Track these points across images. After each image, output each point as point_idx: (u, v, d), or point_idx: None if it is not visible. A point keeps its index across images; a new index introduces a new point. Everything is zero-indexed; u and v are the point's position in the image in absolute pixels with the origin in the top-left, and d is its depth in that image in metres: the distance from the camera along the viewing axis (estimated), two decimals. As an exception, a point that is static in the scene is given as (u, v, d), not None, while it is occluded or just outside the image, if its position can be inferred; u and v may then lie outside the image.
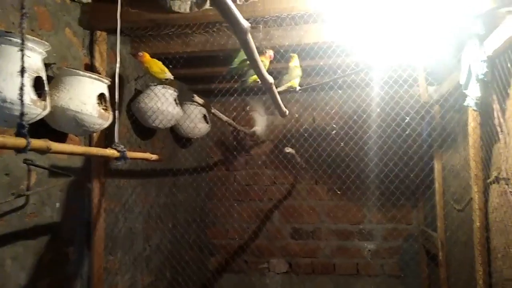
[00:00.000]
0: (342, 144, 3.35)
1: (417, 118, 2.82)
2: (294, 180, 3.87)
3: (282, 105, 2.21)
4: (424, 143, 3.01)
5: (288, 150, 2.81)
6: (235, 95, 3.10)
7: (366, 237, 3.92)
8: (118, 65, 1.80)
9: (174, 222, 3.41)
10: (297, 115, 3.36)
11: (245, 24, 1.07)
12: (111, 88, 2.00)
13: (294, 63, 2.33)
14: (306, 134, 4.05)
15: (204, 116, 3.36)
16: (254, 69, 1.48)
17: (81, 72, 1.85)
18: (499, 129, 1.76)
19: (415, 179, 3.11)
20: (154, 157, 1.87)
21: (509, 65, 1.67)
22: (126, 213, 2.66)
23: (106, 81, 1.96)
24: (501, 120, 1.74)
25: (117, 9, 2.10)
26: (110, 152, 1.58)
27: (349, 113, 3.62)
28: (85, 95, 1.82)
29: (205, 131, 3.41)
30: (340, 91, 2.84)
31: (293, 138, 4.07)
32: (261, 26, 2.39)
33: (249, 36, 1.16)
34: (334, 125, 2.80)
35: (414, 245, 3.76)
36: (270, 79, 1.68)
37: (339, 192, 3.56)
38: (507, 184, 1.66)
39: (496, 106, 1.78)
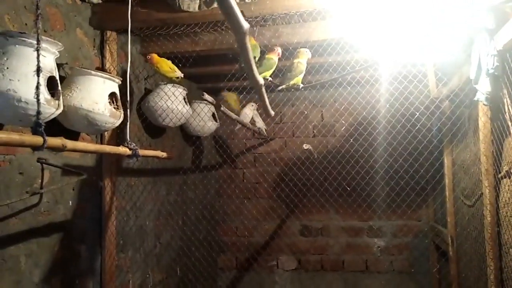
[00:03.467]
0: (351, 140, 3.34)
1: (427, 114, 2.81)
2: (301, 177, 3.87)
3: (269, 107, 2.22)
4: (434, 139, 2.99)
5: (306, 146, 2.83)
6: (244, 93, 3.12)
7: (375, 234, 3.92)
8: (129, 64, 1.82)
9: (184, 220, 3.44)
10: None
11: (245, 25, 1.08)
12: (122, 87, 2.03)
13: (299, 59, 2.33)
14: (315, 131, 4.06)
15: (213, 115, 3.38)
16: (247, 70, 1.49)
17: (93, 72, 1.88)
18: (510, 124, 1.75)
19: (425, 175, 3.10)
20: (164, 154, 1.89)
21: (519, 59, 1.66)
22: (137, 211, 2.69)
23: (117, 81, 1.98)
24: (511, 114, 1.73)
25: (127, 9, 2.13)
26: (122, 150, 1.60)
27: (358, 109, 3.62)
28: (97, 94, 1.85)
29: (214, 129, 3.43)
30: (349, 88, 2.84)
31: (302, 134, 4.08)
32: (268, 24, 2.40)
33: (247, 37, 1.17)
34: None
35: (424, 241, 3.75)
36: (261, 80, 1.70)
37: (348, 189, 3.56)
38: (518, 179, 1.66)
39: (507, 100, 1.77)
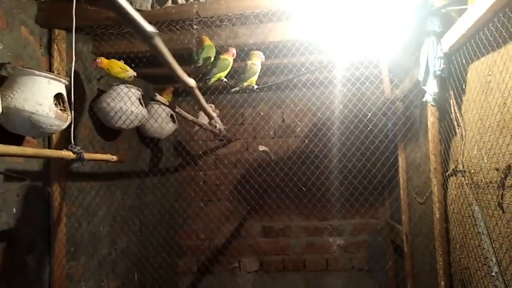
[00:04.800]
0: (309, 141, 3.38)
1: (379, 115, 2.89)
2: (262, 179, 3.87)
3: (208, 108, 2.20)
4: (387, 139, 3.08)
5: (262, 148, 2.82)
6: (202, 93, 3.07)
7: (335, 233, 3.99)
8: (73, 64, 1.74)
9: (141, 225, 3.34)
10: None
11: (150, 29, 1.05)
12: (70, 88, 1.94)
13: (253, 61, 2.33)
14: (275, 132, 4.07)
15: (171, 116, 3.31)
16: (172, 72, 1.47)
17: (37, 72, 1.78)
18: (456, 124, 1.82)
19: (380, 174, 3.18)
20: (114, 158, 1.81)
21: (464, 61, 1.73)
22: (90, 217, 2.58)
23: (64, 81, 1.89)
24: (458, 114, 1.80)
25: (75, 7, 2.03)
26: (65, 153, 1.52)
27: (316, 110, 3.67)
28: (41, 96, 1.75)
29: (172, 130, 3.35)
30: (304, 89, 2.86)
31: (263, 136, 4.08)
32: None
33: (157, 41, 1.14)
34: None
35: (381, 238, 3.86)
36: (192, 82, 1.67)
37: (304, 189, 3.59)
38: (463, 177, 1.72)
39: (453, 101, 1.84)
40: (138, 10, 2.15)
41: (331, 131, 3.51)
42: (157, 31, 1.10)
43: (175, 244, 4.06)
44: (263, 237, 4.08)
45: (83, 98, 2.56)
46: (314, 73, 2.53)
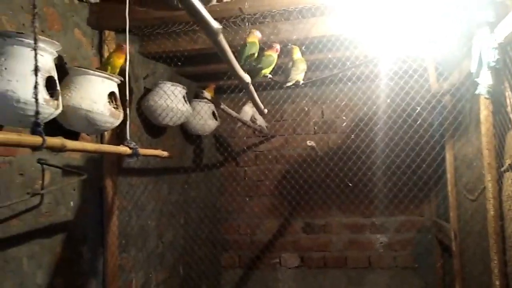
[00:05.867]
0: (352, 136, 3.33)
1: (428, 108, 2.79)
2: (303, 175, 3.86)
3: (260, 105, 2.20)
4: (435, 133, 2.98)
5: (310, 143, 2.83)
6: (244, 91, 3.10)
7: (378, 230, 3.91)
8: (127, 63, 1.81)
9: (186, 219, 3.43)
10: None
11: (216, 25, 1.08)
12: (121, 86, 2.02)
13: (297, 55, 2.32)
14: (316, 128, 4.05)
15: (213, 113, 3.37)
16: (230, 69, 1.49)
17: (91, 71, 1.87)
18: (511, 117, 1.74)
19: (427, 170, 3.08)
20: (165, 153, 1.88)
21: (520, 51, 1.65)
22: (139, 211, 2.69)
23: (116, 80, 1.97)
24: (514, 107, 1.72)
25: (124, 8, 2.11)
26: (122, 149, 1.59)
27: (359, 105, 3.61)
28: (96, 94, 1.84)
29: (215, 127, 3.42)
30: (349, 83, 2.82)
31: (303, 131, 4.07)
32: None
33: (221, 37, 1.17)
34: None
35: (427, 236, 3.74)
36: (247, 78, 1.69)
37: (350, 185, 3.54)
38: (521, 172, 1.65)
39: (508, 93, 1.76)
40: (183, 10, 2.23)
41: (377, 126, 3.44)
42: (221, 28, 1.13)
43: (218, 238, 4.15)
44: (304, 233, 4.07)
45: (131, 96, 2.66)
46: (359, 68, 2.48)
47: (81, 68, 1.89)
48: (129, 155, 1.58)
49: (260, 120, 3.56)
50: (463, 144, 2.60)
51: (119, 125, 2.01)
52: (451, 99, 2.75)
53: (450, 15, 1.95)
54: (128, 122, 1.82)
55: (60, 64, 1.94)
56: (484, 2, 1.70)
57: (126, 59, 1.91)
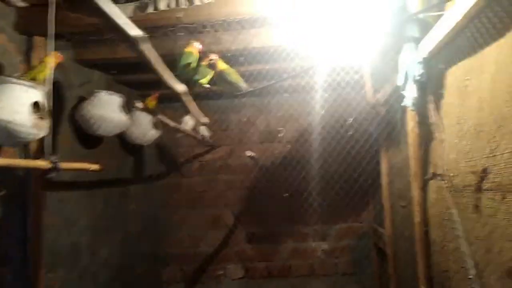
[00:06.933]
0: (296, 146, 3.39)
1: (362, 119, 2.92)
2: (247, 185, 3.87)
3: (198, 114, 2.17)
4: (370, 143, 3.11)
5: (249, 153, 2.82)
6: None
7: (320, 237, 3.99)
8: (52, 71, 1.70)
9: (124, 234, 3.29)
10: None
11: (133, 33, 1.04)
12: (48, 95, 1.90)
13: (223, 65, 2.33)
14: (261, 137, 4.08)
15: (154, 123, 3.28)
16: (161, 79, 1.45)
17: (13, 79, 1.74)
18: (435, 128, 1.85)
19: (362, 178, 3.21)
20: (93, 167, 1.78)
21: (441, 66, 1.76)
22: (69, 227, 2.53)
23: (42, 88, 1.85)
24: (436, 119, 1.83)
25: (55, 14, 2.00)
26: (41, 163, 1.48)
27: (297, 115, 3.69)
28: (18, 104, 1.71)
29: (156, 137, 3.32)
30: (287, 95, 2.88)
31: (249, 141, 4.08)
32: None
33: (144, 47, 1.12)
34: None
35: (365, 242, 3.88)
36: (180, 88, 1.66)
37: (288, 194, 3.60)
38: (442, 180, 1.75)
39: (431, 105, 1.87)
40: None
41: (315, 136, 3.53)
42: (143, 35, 1.09)
43: (159, 252, 4.01)
44: (248, 244, 4.06)
45: (63, 105, 2.52)
46: (296, 79, 2.54)
47: (2, 76, 1.75)
48: (49, 170, 1.48)
49: (203, 130, 3.51)
50: (395, 153, 2.74)
51: (46, 136, 1.89)
52: (384, 110, 2.89)
53: (379, 28, 2.05)
54: (50, 134, 1.70)
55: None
56: (409, 18, 1.80)
57: (51, 67, 1.80)
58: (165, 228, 4.07)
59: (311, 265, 3.99)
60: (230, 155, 4.11)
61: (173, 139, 4.03)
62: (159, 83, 3.23)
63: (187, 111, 3.27)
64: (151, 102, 3.16)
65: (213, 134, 3.90)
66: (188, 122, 3.18)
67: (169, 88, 1.64)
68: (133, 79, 3.19)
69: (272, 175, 3.47)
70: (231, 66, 2.39)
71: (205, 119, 2.31)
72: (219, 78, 2.29)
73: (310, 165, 3.55)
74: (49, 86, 1.76)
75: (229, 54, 2.42)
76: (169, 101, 3.12)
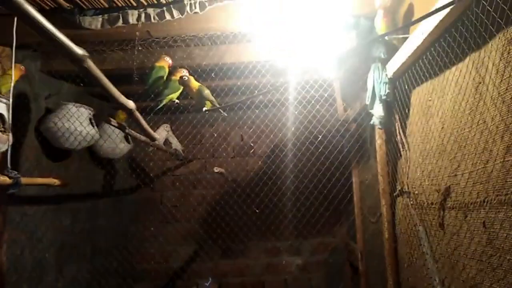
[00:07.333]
0: (268, 161, 3.39)
1: (333, 135, 2.95)
2: (221, 199, 3.83)
3: (149, 130, 2.15)
4: (343, 159, 3.14)
5: (217, 169, 2.81)
6: (160, 114, 3.02)
7: (294, 253, 3.98)
8: (12, 83, 1.66)
9: (93, 250, 3.19)
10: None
11: (80, 52, 1.03)
12: (19, 107, 1.84)
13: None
14: (235, 152, 4.06)
15: (126, 136, 3.22)
16: (109, 96, 1.43)
17: (-27, 91, 1.69)
18: (401, 146, 1.88)
19: (337, 194, 3.23)
20: (57, 182, 1.72)
21: (407, 86, 1.80)
22: (34, 243, 2.43)
23: (4, 101, 1.79)
24: (402, 137, 1.86)
25: (20, 23, 1.95)
26: (1, 178, 1.43)
27: (271, 130, 3.70)
28: (-23, 116, 1.65)
29: (127, 151, 3.26)
30: (260, 110, 2.89)
31: (221, 155, 4.06)
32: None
33: (89, 64, 1.11)
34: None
35: (339, 257, 3.88)
36: (130, 104, 1.64)
37: (261, 209, 3.58)
38: (408, 198, 1.78)
39: (398, 124, 1.91)
40: (87, 29, 2.12)
41: (288, 151, 3.54)
42: (87, 54, 1.07)
43: (130, 268, 3.90)
44: (221, 259, 4.00)
45: (29, 118, 2.44)
46: (267, 95, 2.56)
47: (-40, 87, 1.69)
48: (10, 185, 1.42)
49: (175, 144, 3.48)
50: (365, 168, 2.77)
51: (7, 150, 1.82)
52: (355, 125, 2.94)
53: (346, 47, 2.09)
54: (9, 148, 1.65)
55: None
56: (375, 39, 1.85)
57: (14, 79, 1.75)
58: (136, 243, 3.97)
59: (285, 281, 3.96)
60: (203, 169, 4.07)
61: (145, 153, 3.97)
62: (130, 96, 3.22)
63: (160, 124, 3.26)
64: (122, 114, 3.11)
65: (186, 148, 3.86)
66: (161, 134, 3.14)
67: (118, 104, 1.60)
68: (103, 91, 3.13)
69: (244, 190, 3.45)
70: (203, 81, 2.38)
71: (157, 135, 2.27)
72: (196, 93, 2.28)
73: (282, 180, 3.55)
74: (10, 99, 1.71)
75: (199, 70, 2.41)
76: (142, 114, 3.07)
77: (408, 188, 1.79)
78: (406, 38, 1.69)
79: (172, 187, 4.07)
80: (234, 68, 2.41)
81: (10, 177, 1.42)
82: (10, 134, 1.68)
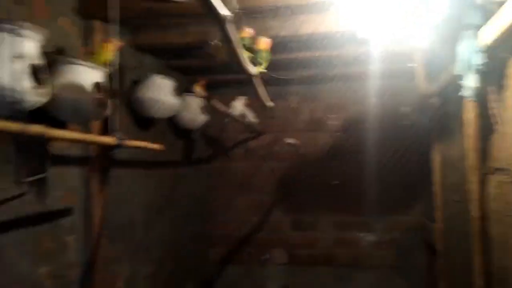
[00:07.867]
0: (342, 136, 3.34)
1: (416, 110, 2.82)
2: (293, 172, 3.87)
3: (264, 97, 2.17)
4: (423, 135, 3.00)
5: (290, 140, 2.83)
6: (235, 86, 3.10)
7: (366, 229, 3.93)
8: (114, 56, 1.79)
9: (174, 213, 3.43)
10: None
11: (224, 12, 1.07)
12: (109, 77, 2.01)
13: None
14: (306, 126, 4.05)
15: (203, 107, 3.36)
16: (235, 61, 1.48)
17: (76, 61, 1.86)
18: (496, 120, 1.75)
19: (413, 170, 3.11)
20: (156, 146, 1.87)
21: (505, 55, 1.66)
22: (127, 203, 2.68)
23: (103, 70, 1.96)
24: (498, 110, 1.73)
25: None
26: (108, 139, 1.59)
27: (349, 104, 3.62)
28: (82, 84, 1.83)
29: (204, 122, 3.41)
30: (337, 83, 2.83)
31: (293, 129, 4.07)
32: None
33: (228, 26, 1.16)
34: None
35: (414, 236, 3.77)
36: (253, 70, 1.68)
37: (335, 184, 3.56)
38: (504, 175, 1.66)
39: (492, 96, 1.78)
40: (173, 2, 2.21)
41: (364, 126, 3.45)
42: (230, 15, 1.13)
43: (206, 233, 4.14)
44: (292, 230, 4.09)
45: (120, 88, 2.64)
46: (347, 67, 2.49)
47: (66, 58, 1.87)
48: (115, 146, 1.58)
49: (250, 116, 3.55)
50: (449, 145, 2.63)
51: (107, 116, 2.00)
52: (439, 101, 2.78)
53: (437, 17, 1.96)
54: (116, 113, 1.80)
55: (45, 53, 1.92)
56: (470, 4, 1.71)
57: (115, 51, 1.89)
58: (211, 210, 4.19)
59: (356, 256, 3.95)
60: (274, 142, 4.12)
61: (220, 125, 4.10)
62: (207, 69, 3.33)
63: (237, 97, 3.34)
64: (200, 87, 3.24)
65: (260, 121, 3.93)
66: (237, 108, 3.23)
67: (239, 71, 1.66)
68: (184, 64, 3.27)
69: (319, 164, 3.44)
70: (279, 54, 2.37)
71: (271, 103, 2.32)
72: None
73: (360, 155, 3.48)
74: (112, 69, 1.86)
75: (276, 41, 2.40)
76: (215, 88, 3.18)
77: (504, 165, 1.67)
78: (506, 1, 1.54)
79: (244, 159, 4.20)
80: (313, 39, 2.37)
81: (116, 138, 1.57)
82: (111, 101, 1.84)
